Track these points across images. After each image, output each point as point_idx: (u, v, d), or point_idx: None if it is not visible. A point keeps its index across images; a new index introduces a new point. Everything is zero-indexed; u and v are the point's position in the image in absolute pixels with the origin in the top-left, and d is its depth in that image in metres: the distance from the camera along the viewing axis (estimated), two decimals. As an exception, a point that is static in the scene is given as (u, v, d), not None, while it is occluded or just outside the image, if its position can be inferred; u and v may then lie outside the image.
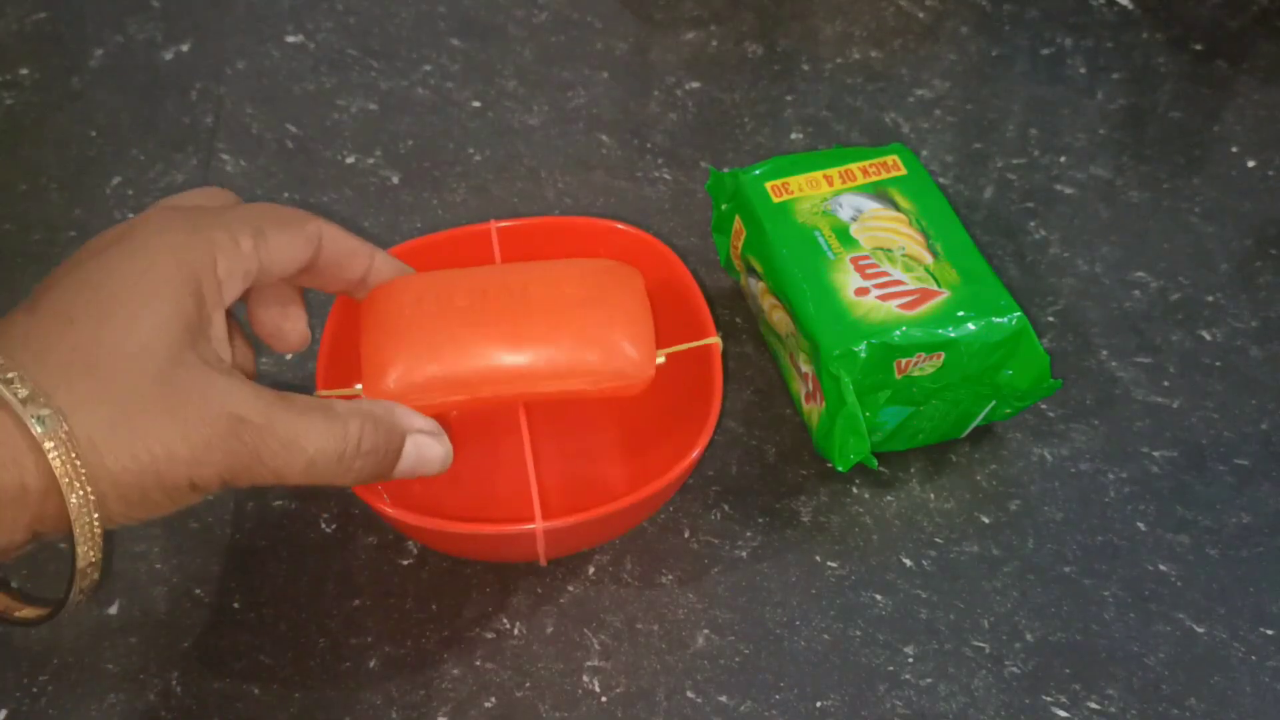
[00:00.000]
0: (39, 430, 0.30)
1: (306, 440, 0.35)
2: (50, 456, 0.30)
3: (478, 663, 0.44)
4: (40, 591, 0.36)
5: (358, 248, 0.41)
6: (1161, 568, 0.47)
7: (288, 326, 0.41)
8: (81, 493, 0.31)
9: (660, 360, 0.44)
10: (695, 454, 0.42)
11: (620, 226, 0.49)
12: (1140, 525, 0.48)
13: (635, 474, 0.48)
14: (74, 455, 0.31)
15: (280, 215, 0.38)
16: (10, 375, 0.31)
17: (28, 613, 0.36)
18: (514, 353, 0.42)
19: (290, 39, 0.67)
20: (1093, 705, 0.43)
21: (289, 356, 0.52)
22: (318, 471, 0.35)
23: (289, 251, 0.38)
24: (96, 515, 0.31)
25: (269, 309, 0.41)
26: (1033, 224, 0.59)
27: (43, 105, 0.63)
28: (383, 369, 0.42)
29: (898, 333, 0.44)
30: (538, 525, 0.40)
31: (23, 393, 0.31)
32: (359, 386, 0.43)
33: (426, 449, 0.39)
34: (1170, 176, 0.61)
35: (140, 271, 0.34)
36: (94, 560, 0.32)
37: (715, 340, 0.45)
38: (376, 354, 0.42)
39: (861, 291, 0.46)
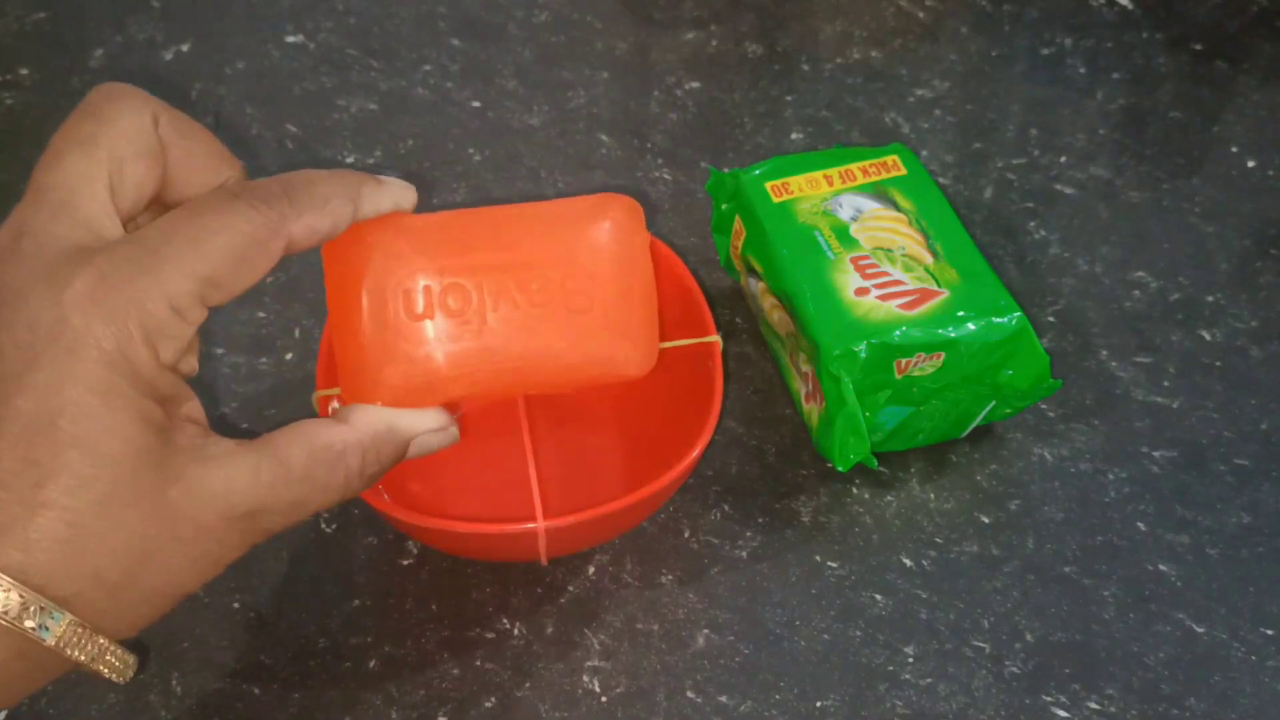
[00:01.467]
0: (45, 635, 0.29)
1: (313, 500, 0.33)
2: (68, 653, 0.30)
3: (478, 663, 0.44)
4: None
5: (335, 225, 0.33)
6: (1161, 568, 0.47)
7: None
8: (92, 650, 0.30)
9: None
10: (695, 453, 0.42)
11: None
12: (1140, 525, 0.48)
13: (635, 474, 0.48)
14: (85, 637, 0.30)
15: (236, 242, 0.31)
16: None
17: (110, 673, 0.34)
18: (512, 365, 0.37)
19: (290, 39, 0.67)
20: (1093, 705, 0.43)
21: (289, 356, 0.52)
22: (322, 511, 0.35)
23: (245, 286, 0.32)
24: (115, 654, 0.31)
25: None
26: (1033, 224, 0.59)
27: (43, 105, 0.63)
28: (372, 384, 0.36)
29: (898, 333, 0.44)
30: (539, 524, 0.40)
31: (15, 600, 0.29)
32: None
33: (431, 444, 0.36)
34: (1170, 176, 0.61)
35: (90, 396, 0.29)
36: (121, 672, 0.32)
37: (716, 339, 0.45)
38: (357, 361, 0.36)
39: (861, 291, 0.46)
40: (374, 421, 0.35)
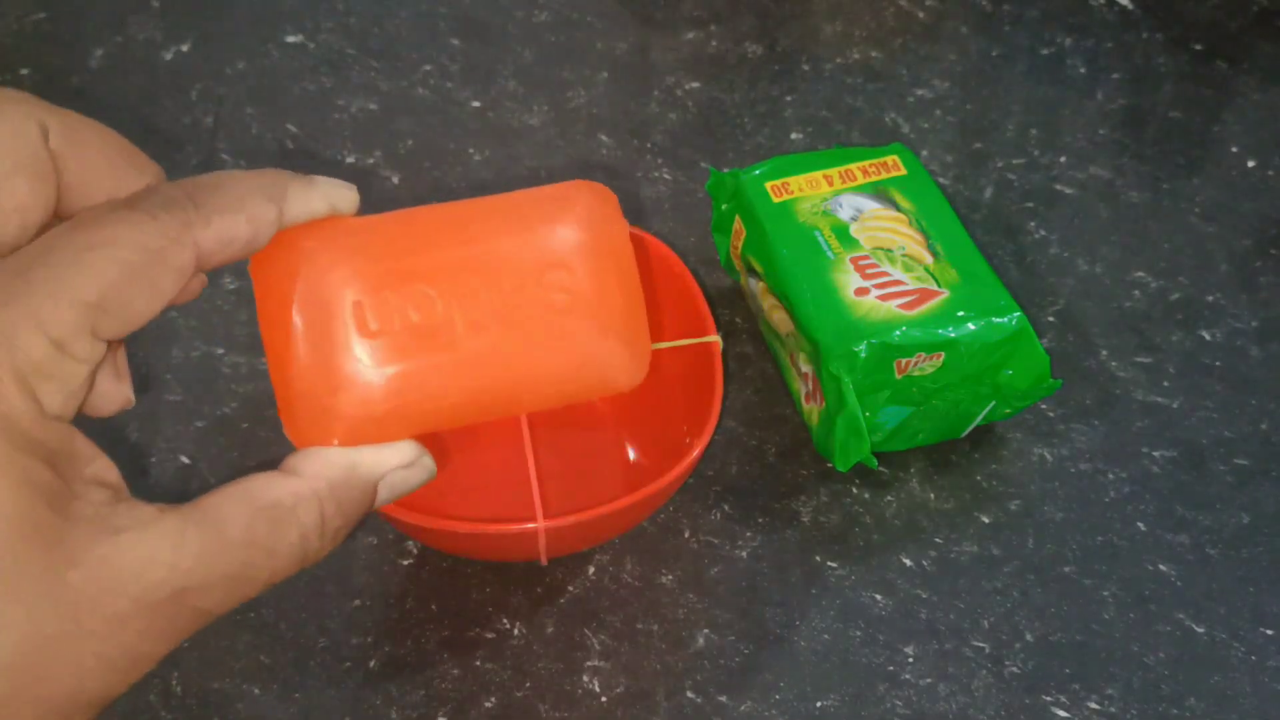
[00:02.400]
0: None
1: (260, 571, 0.26)
2: None
3: (478, 663, 0.44)
4: None
5: (255, 231, 0.28)
6: (1161, 568, 0.47)
7: (98, 391, 0.28)
8: None
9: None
10: (696, 453, 0.42)
11: None
12: (1140, 525, 0.48)
13: (635, 474, 0.48)
14: None
15: (128, 256, 0.25)
16: None
17: None
18: (490, 386, 0.31)
19: (290, 39, 0.67)
20: (1093, 705, 0.43)
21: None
22: (273, 584, 0.27)
23: (146, 311, 0.26)
24: None
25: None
26: (1033, 224, 0.59)
27: (43, 105, 0.63)
28: (321, 420, 0.29)
29: (898, 333, 0.44)
30: (539, 524, 0.40)
31: None
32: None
33: (406, 483, 0.30)
34: (1170, 176, 0.61)
35: None
36: None
37: (716, 339, 0.45)
38: (301, 395, 0.29)
39: (861, 291, 0.46)
40: (329, 467, 0.28)
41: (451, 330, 0.30)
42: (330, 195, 0.29)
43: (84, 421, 0.27)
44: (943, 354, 0.45)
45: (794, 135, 0.63)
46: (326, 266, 0.29)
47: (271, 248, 0.29)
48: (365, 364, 0.29)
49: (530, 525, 0.40)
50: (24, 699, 0.24)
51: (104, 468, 0.26)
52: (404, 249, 0.30)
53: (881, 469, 0.49)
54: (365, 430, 0.29)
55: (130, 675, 0.25)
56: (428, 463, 0.31)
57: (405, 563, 0.46)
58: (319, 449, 0.29)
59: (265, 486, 0.27)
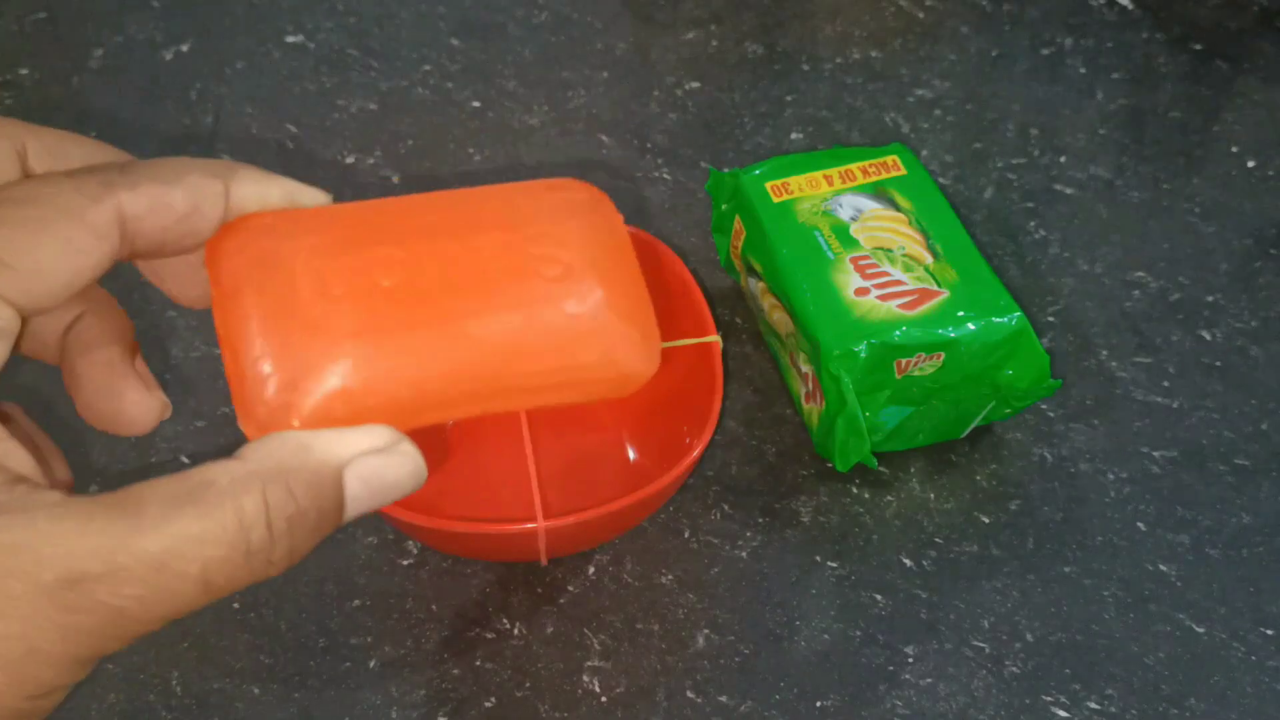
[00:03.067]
0: None
1: (186, 557, 0.22)
2: None
3: (478, 663, 0.44)
4: None
5: (194, 202, 0.25)
6: (1161, 568, 0.47)
7: (113, 404, 0.27)
8: None
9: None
10: (695, 454, 0.42)
11: None
12: (1140, 525, 0.48)
13: (635, 474, 0.48)
14: None
15: (31, 213, 0.24)
16: None
17: None
18: (469, 365, 0.26)
19: (290, 39, 0.67)
20: (1093, 705, 0.43)
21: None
22: (223, 585, 0.23)
23: (63, 268, 0.24)
24: None
25: (87, 372, 0.27)
26: (1033, 224, 0.59)
27: (43, 105, 0.63)
28: (278, 403, 0.25)
29: (898, 333, 0.44)
30: (539, 524, 0.40)
31: None
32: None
33: (382, 474, 0.25)
34: (1170, 176, 0.61)
35: None
36: None
37: (715, 339, 0.45)
38: (246, 358, 0.25)
39: (861, 291, 0.46)
40: (280, 447, 0.25)
41: (427, 295, 0.26)
42: (291, 188, 0.27)
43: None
44: (943, 354, 0.45)
45: (794, 135, 0.63)
46: (282, 236, 0.26)
47: (223, 229, 0.26)
48: (326, 333, 0.25)
49: (530, 525, 0.40)
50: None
51: (8, 453, 0.23)
52: (373, 222, 0.27)
53: (881, 469, 0.49)
54: (333, 413, 0.25)
55: (17, 685, 0.22)
56: (409, 450, 0.26)
57: (405, 563, 0.46)
58: (273, 434, 0.25)
59: (199, 469, 0.24)
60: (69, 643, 0.22)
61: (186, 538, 0.22)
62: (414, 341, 0.26)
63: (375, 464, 0.25)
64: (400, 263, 0.26)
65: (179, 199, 0.25)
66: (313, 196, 0.27)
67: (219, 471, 0.24)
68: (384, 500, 0.26)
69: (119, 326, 0.28)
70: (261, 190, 0.26)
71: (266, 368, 0.25)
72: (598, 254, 0.28)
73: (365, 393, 0.25)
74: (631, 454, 0.49)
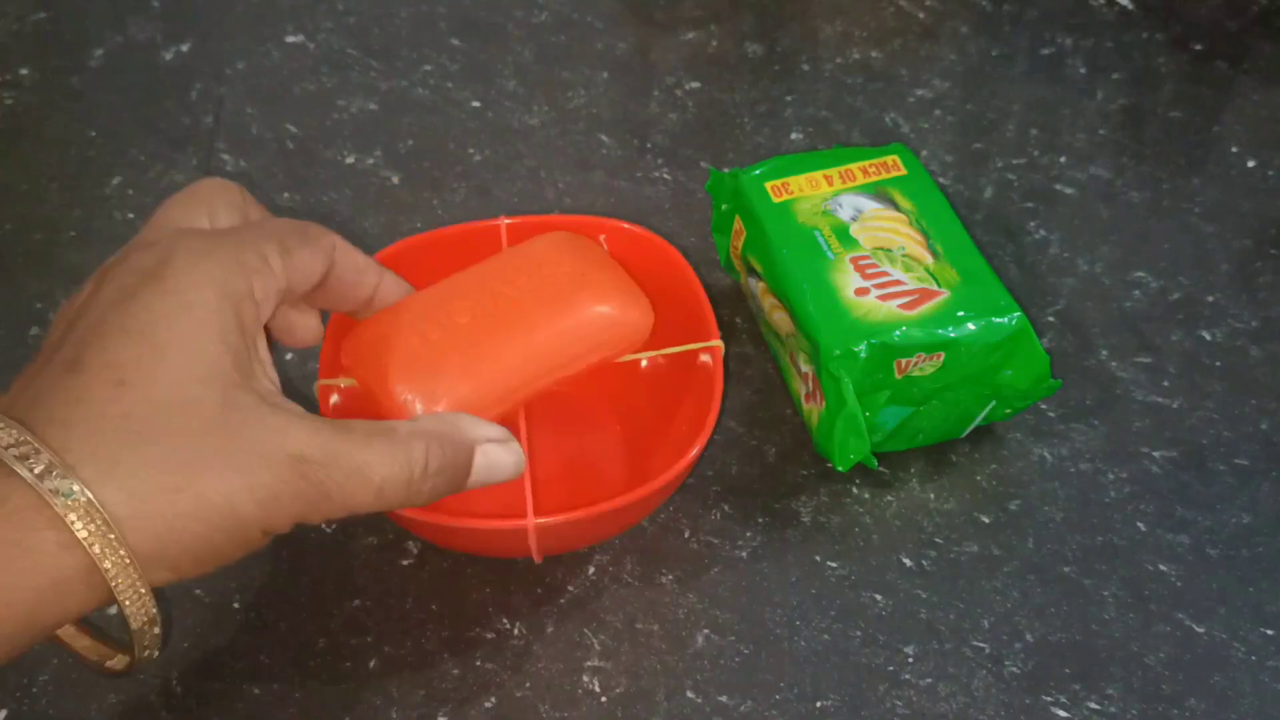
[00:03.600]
0: (60, 503, 0.29)
1: (372, 470, 0.34)
2: (76, 530, 0.29)
3: (478, 663, 0.44)
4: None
5: (368, 265, 0.40)
6: (1161, 568, 0.47)
7: (300, 321, 0.40)
8: (116, 559, 0.30)
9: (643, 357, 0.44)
10: (692, 454, 0.42)
11: (627, 226, 0.49)
12: (1140, 525, 0.48)
13: (635, 473, 0.48)
14: (101, 525, 0.30)
15: (300, 230, 0.37)
16: (25, 449, 0.30)
17: (118, 662, 0.36)
18: (531, 353, 0.41)
19: (290, 39, 0.67)
20: (1093, 705, 0.43)
21: (289, 355, 0.52)
22: (387, 499, 0.34)
23: (311, 267, 0.37)
24: (137, 579, 0.31)
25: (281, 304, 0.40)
26: (1033, 224, 0.59)
27: (43, 105, 0.63)
28: (406, 408, 0.40)
29: (898, 333, 0.44)
30: (529, 522, 0.40)
31: (38, 468, 0.30)
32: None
33: (496, 457, 0.37)
34: (1170, 176, 0.61)
35: (183, 310, 0.32)
36: (145, 622, 0.32)
37: (718, 343, 0.45)
38: (392, 396, 0.40)
39: (861, 291, 0.46)
40: (436, 420, 0.37)
41: (494, 321, 0.41)
42: (405, 287, 0.42)
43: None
44: (943, 354, 0.45)
45: (794, 135, 0.63)
46: (387, 323, 0.41)
47: (353, 330, 0.42)
48: (436, 365, 0.40)
49: (521, 522, 0.40)
50: (189, 491, 0.31)
51: (274, 374, 0.36)
52: (442, 291, 0.42)
53: (881, 469, 0.49)
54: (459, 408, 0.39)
55: (266, 503, 0.32)
56: (516, 447, 0.38)
57: (405, 563, 0.46)
58: (433, 414, 0.38)
59: (387, 422, 0.35)
60: (295, 500, 0.32)
61: (376, 457, 0.34)
62: (493, 349, 0.41)
63: (495, 449, 0.37)
64: (468, 306, 0.41)
65: (360, 258, 0.40)
66: (408, 289, 0.42)
67: (399, 425, 0.35)
68: (494, 478, 0.38)
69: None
70: (399, 284, 0.42)
71: (408, 397, 0.40)
72: (585, 263, 0.44)
73: (471, 392, 0.40)
74: (632, 454, 0.49)
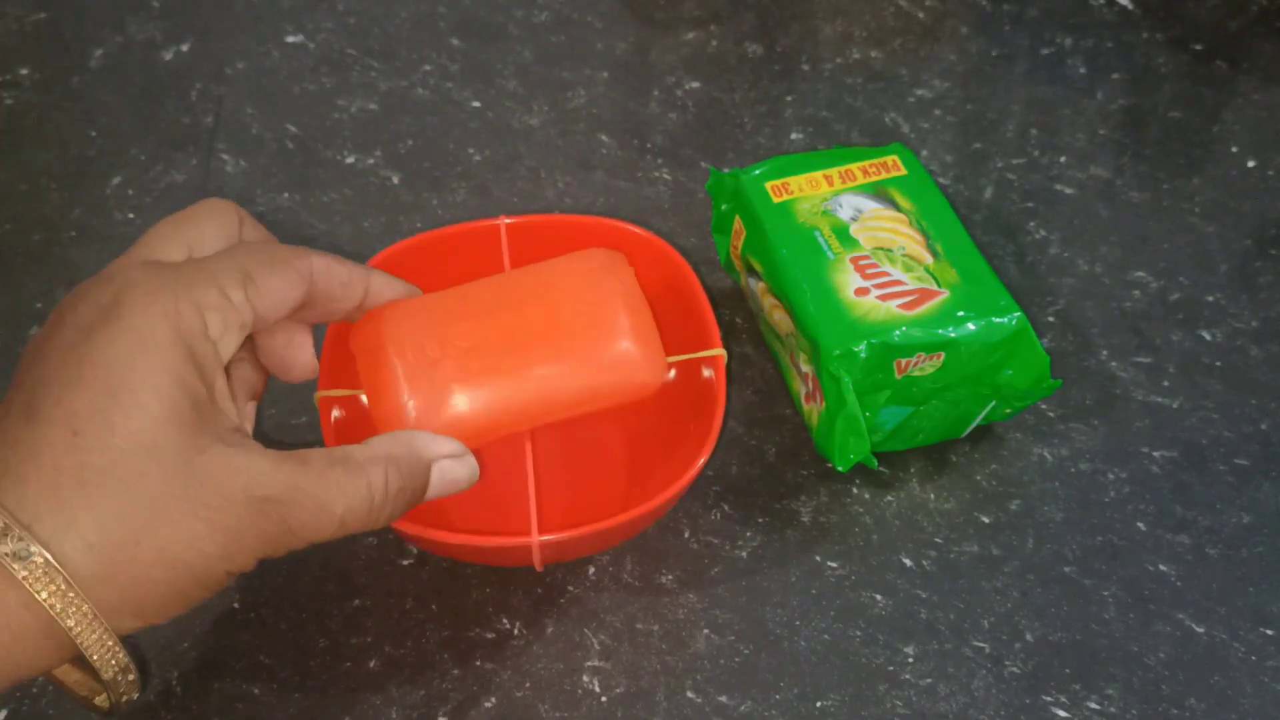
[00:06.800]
0: (16, 568, 0.30)
1: (333, 503, 0.34)
2: (36, 592, 0.30)
3: (478, 663, 0.44)
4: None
5: (351, 277, 0.39)
6: (1161, 568, 0.47)
7: (292, 356, 0.40)
8: (79, 615, 0.30)
9: (671, 375, 0.43)
10: (692, 472, 0.42)
11: (629, 228, 0.49)
12: (1140, 525, 0.48)
13: (638, 484, 0.48)
14: (61, 585, 0.30)
15: (269, 256, 0.36)
16: None
17: (103, 701, 0.36)
18: (530, 394, 0.40)
19: (290, 39, 0.67)
20: (1093, 705, 0.43)
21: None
22: (349, 527, 0.35)
23: (281, 294, 0.36)
24: (103, 633, 0.31)
25: (273, 338, 0.39)
26: (1033, 224, 0.59)
27: (43, 105, 0.63)
28: (402, 416, 0.40)
29: (898, 333, 0.44)
30: (534, 539, 0.40)
31: None
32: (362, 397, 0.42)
33: (452, 474, 0.38)
34: (1170, 176, 0.61)
35: (139, 352, 0.32)
36: (117, 671, 0.32)
37: (720, 352, 0.45)
38: (394, 400, 0.40)
39: (861, 291, 0.46)
40: (391, 442, 0.37)
41: (495, 351, 0.40)
42: (404, 288, 0.42)
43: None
44: (943, 354, 0.45)
45: (794, 135, 0.63)
46: (392, 324, 0.40)
47: (360, 321, 0.41)
48: (433, 384, 0.39)
49: (524, 539, 0.40)
50: (149, 542, 0.31)
51: (233, 410, 0.36)
52: (453, 305, 0.41)
53: (881, 469, 0.49)
54: (447, 433, 0.39)
55: (230, 549, 0.32)
56: (470, 460, 0.39)
57: (405, 563, 0.46)
58: (389, 434, 0.38)
59: (343, 448, 0.36)
60: (258, 540, 0.33)
61: (335, 489, 0.34)
62: (491, 382, 0.40)
63: (450, 465, 0.38)
64: (473, 331, 0.40)
65: (343, 271, 0.39)
66: (412, 291, 0.42)
67: (356, 451, 0.35)
68: (450, 491, 0.38)
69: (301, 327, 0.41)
70: (390, 284, 0.41)
71: (406, 403, 0.39)
72: (613, 304, 0.41)
73: (464, 419, 0.40)
74: (634, 464, 0.49)
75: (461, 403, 0.39)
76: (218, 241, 0.37)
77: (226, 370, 0.38)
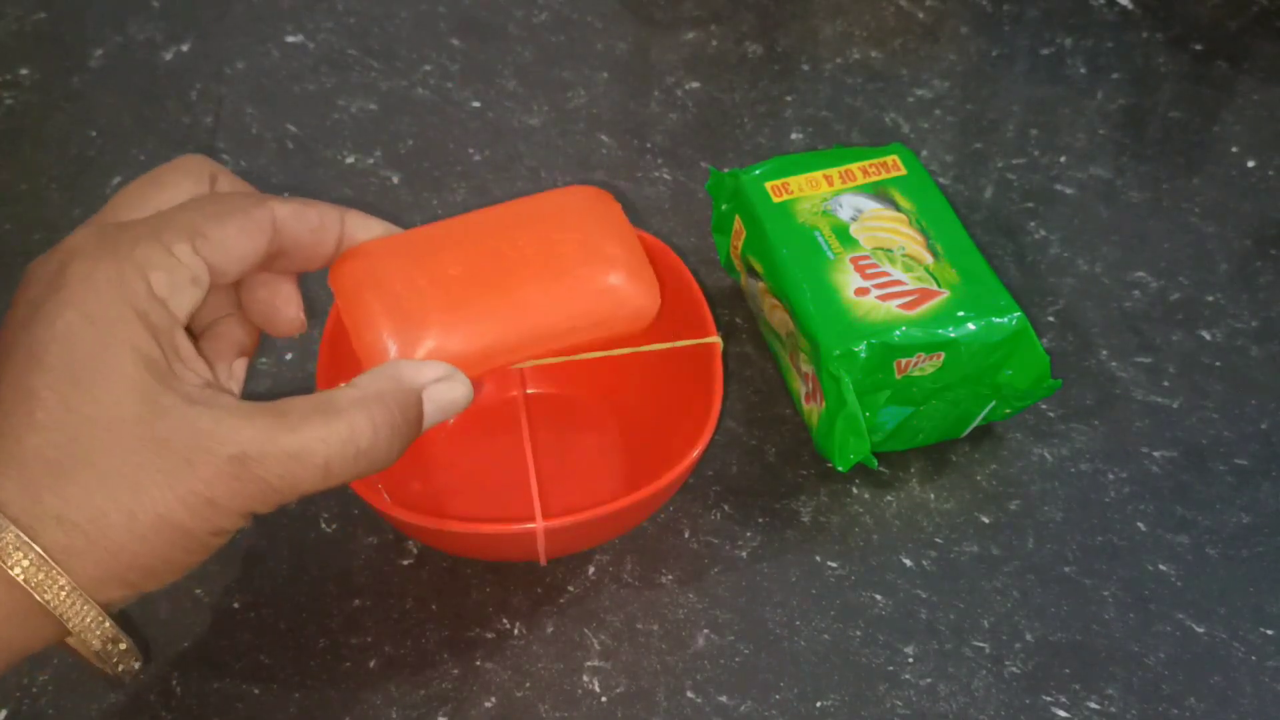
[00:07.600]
0: None
1: (313, 453, 0.32)
2: (11, 570, 0.30)
3: (478, 663, 0.44)
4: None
5: (323, 220, 0.37)
6: (1161, 568, 0.47)
7: (279, 307, 0.38)
8: (54, 590, 0.30)
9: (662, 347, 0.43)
10: (695, 454, 0.42)
11: None
12: (1140, 525, 0.48)
13: (635, 474, 0.48)
14: (36, 559, 0.30)
15: (223, 207, 0.34)
16: None
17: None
18: (522, 321, 0.38)
19: (290, 39, 0.67)
20: (1093, 705, 0.43)
21: (288, 356, 0.52)
22: (337, 475, 0.33)
23: (237, 244, 0.34)
24: (84, 605, 0.31)
25: (257, 292, 0.38)
26: (1033, 224, 0.59)
27: (43, 105, 0.63)
28: (383, 352, 0.37)
29: (898, 333, 0.44)
30: (538, 525, 0.40)
31: None
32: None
33: (444, 396, 0.36)
34: (1170, 176, 0.61)
35: (85, 324, 0.31)
36: (104, 641, 0.32)
37: (716, 340, 0.45)
38: (373, 336, 0.37)
39: (861, 291, 0.46)
40: (375, 378, 0.35)
41: (485, 276, 0.38)
42: (382, 226, 0.39)
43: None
44: (943, 354, 0.45)
45: (794, 135, 0.63)
46: (377, 259, 0.38)
47: (340, 258, 0.38)
48: (421, 314, 0.37)
49: (529, 526, 0.40)
50: (118, 514, 0.30)
51: (201, 366, 0.34)
52: (439, 236, 0.39)
53: (881, 469, 0.49)
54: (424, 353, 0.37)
55: (202, 513, 0.31)
56: (461, 378, 0.36)
57: (405, 563, 0.46)
58: (372, 369, 0.36)
59: (326, 393, 0.34)
60: (235, 499, 0.31)
61: (314, 438, 0.32)
62: (481, 309, 0.37)
63: (440, 388, 0.36)
64: (462, 258, 0.38)
65: (313, 215, 0.36)
66: (392, 230, 0.39)
67: (339, 394, 0.34)
68: (447, 414, 0.36)
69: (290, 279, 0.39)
70: (366, 224, 0.38)
71: (386, 340, 0.36)
72: (600, 232, 0.39)
73: (453, 349, 0.37)
74: (631, 454, 0.49)
75: (449, 331, 0.37)
76: (187, 198, 0.36)
77: (204, 329, 0.37)
